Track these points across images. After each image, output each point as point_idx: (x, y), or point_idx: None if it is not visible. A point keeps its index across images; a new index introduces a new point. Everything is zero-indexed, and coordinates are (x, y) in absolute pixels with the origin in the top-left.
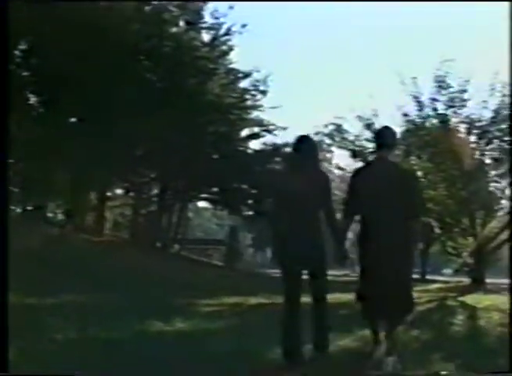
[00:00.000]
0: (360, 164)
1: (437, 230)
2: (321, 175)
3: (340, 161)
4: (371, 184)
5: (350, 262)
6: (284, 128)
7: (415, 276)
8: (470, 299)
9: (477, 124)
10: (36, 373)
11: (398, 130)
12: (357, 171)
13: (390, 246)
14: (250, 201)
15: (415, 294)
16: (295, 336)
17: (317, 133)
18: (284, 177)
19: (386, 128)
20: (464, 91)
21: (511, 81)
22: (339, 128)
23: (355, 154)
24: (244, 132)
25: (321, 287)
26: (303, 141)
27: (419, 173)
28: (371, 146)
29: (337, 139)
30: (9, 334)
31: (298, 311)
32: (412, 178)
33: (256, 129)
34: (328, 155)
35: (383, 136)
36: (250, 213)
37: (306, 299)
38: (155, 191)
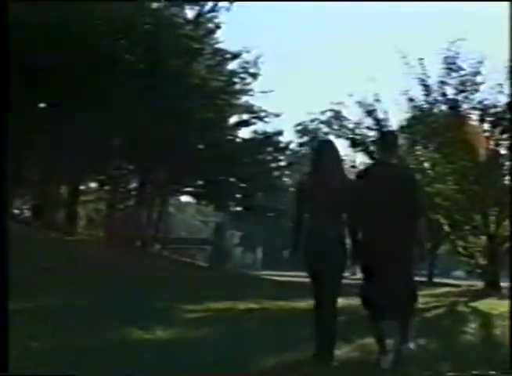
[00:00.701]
0: (360, 154)
1: (446, 228)
2: (343, 178)
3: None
4: (374, 187)
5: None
6: (277, 115)
7: (421, 278)
8: (483, 305)
9: (491, 110)
10: (36, 373)
11: (403, 116)
12: (360, 174)
13: (392, 247)
14: (238, 196)
15: (421, 299)
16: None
17: (313, 120)
18: (307, 181)
19: (389, 132)
20: (477, 73)
21: (511, 81)
22: (337, 115)
23: (354, 143)
24: (232, 119)
25: (333, 290)
26: (323, 145)
27: (425, 164)
28: (372, 134)
29: (335, 126)
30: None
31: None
32: (413, 180)
33: (245, 116)
34: None
35: (386, 140)
36: (239, 209)
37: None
38: (133, 184)
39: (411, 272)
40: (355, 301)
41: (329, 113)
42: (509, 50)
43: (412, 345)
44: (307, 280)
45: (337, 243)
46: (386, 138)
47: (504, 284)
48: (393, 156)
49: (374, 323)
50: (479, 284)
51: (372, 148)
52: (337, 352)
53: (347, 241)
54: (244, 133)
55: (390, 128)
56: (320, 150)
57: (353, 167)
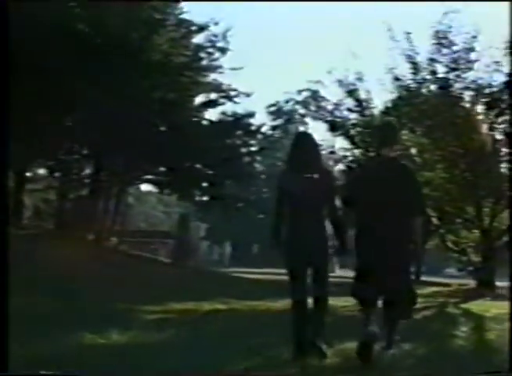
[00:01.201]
0: (340, 138)
1: (435, 221)
2: (324, 172)
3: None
4: (372, 182)
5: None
6: (248, 95)
7: None
8: (475, 306)
9: (486, 90)
10: (36, 373)
11: (388, 97)
12: (358, 168)
13: (388, 243)
14: (204, 184)
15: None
16: (304, 335)
17: (288, 101)
18: (287, 175)
19: (387, 124)
20: (471, 49)
21: (511, 82)
22: (315, 95)
23: (333, 127)
24: (198, 99)
25: (323, 286)
26: (303, 137)
27: (412, 150)
28: (353, 116)
29: (312, 108)
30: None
31: (305, 311)
32: (413, 176)
33: (213, 95)
34: (301, 128)
35: (384, 133)
36: (205, 198)
37: None
38: (87, 171)
39: (408, 271)
40: (335, 301)
41: (305, 93)
42: (509, 49)
43: (393, 351)
44: (281, 277)
45: (321, 240)
46: (385, 131)
47: (499, 284)
48: (392, 150)
49: (365, 311)
50: (471, 283)
51: (353, 132)
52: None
53: (331, 236)
54: (211, 114)
55: (388, 120)
56: (298, 144)
57: (332, 153)
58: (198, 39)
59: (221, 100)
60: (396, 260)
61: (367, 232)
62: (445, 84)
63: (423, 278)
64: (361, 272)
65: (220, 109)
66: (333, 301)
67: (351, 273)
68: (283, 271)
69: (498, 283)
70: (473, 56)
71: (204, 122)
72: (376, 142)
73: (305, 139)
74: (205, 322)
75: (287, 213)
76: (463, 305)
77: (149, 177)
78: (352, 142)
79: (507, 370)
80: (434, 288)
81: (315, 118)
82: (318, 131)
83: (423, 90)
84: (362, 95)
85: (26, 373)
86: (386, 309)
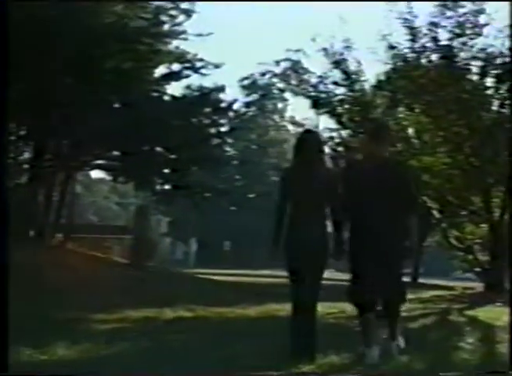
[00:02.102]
0: (325, 117)
1: (436, 214)
2: (327, 172)
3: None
4: (365, 181)
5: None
6: (217, 66)
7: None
8: (483, 313)
9: (497, 60)
10: (36, 373)
11: (382, 69)
12: (349, 166)
13: (382, 241)
14: (166, 170)
15: (405, 306)
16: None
17: (264, 73)
18: (290, 174)
19: (379, 123)
20: (479, 12)
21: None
22: (296, 67)
23: (317, 103)
24: (159, 70)
25: (316, 291)
26: (307, 136)
27: (409, 131)
28: (341, 91)
29: (292, 81)
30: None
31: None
32: (408, 174)
33: (176, 66)
34: (280, 105)
35: (376, 132)
36: (167, 187)
37: None
38: (26, 155)
39: (400, 269)
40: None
41: (284, 64)
42: (509, 50)
43: (401, 343)
44: (257, 279)
45: (321, 240)
46: (377, 131)
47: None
48: (384, 149)
49: (363, 318)
50: (478, 287)
51: (340, 109)
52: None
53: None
54: (174, 89)
55: (380, 120)
56: (303, 142)
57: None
58: None
59: (186, 72)
60: (390, 260)
61: (362, 233)
62: (448, 53)
63: (422, 280)
64: (356, 274)
65: (184, 82)
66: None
67: (335, 275)
68: (260, 272)
69: (509, 287)
70: (482, 19)
71: (166, 98)
72: (369, 142)
73: (310, 137)
74: (167, 332)
75: (289, 212)
76: (469, 312)
77: (101, 162)
78: (339, 122)
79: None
80: (435, 292)
81: (295, 93)
82: (299, 108)
83: (423, 60)
84: (351, 66)
85: (26, 373)
86: (383, 309)
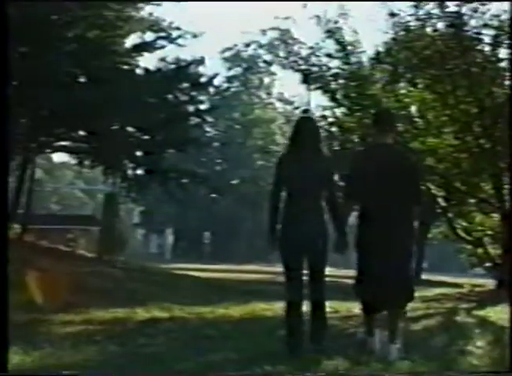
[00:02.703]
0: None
1: (441, 202)
2: (324, 159)
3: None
4: (372, 171)
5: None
6: (196, 35)
7: None
8: (495, 313)
9: None
10: (36, 373)
11: (381, 39)
12: (357, 156)
13: (390, 233)
14: (138, 153)
15: (409, 305)
16: (298, 331)
17: (248, 44)
18: (286, 161)
19: (385, 111)
20: None
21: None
22: (284, 37)
23: (308, 78)
24: (130, 41)
25: (321, 286)
26: (304, 122)
27: (412, 108)
28: (335, 64)
29: (280, 53)
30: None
31: (301, 312)
32: (413, 165)
33: (149, 36)
34: (266, 80)
35: (382, 121)
36: (139, 172)
37: None
38: None
39: (410, 264)
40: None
41: (272, 34)
42: (509, 50)
43: (398, 345)
44: (241, 275)
45: (321, 232)
46: (382, 118)
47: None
48: (389, 137)
49: (367, 316)
50: (489, 284)
51: (334, 85)
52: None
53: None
54: (147, 61)
55: (384, 108)
56: (299, 129)
57: (306, 111)
58: None
59: (161, 42)
60: (400, 254)
61: (371, 224)
62: (456, 21)
63: (426, 277)
64: (365, 268)
65: (159, 54)
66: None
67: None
68: (243, 267)
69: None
70: None
71: (138, 71)
72: (374, 130)
73: (307, 123)
74: (139, 335)
75: (285, 202)
76: (479, 312)
77: (64, 144)
78: (333, 99)
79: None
80: (440, 290)
81: (284, 66)
82: (288, 83)
83: (428, 29)
84: (347, 36)
85: (26, 373)
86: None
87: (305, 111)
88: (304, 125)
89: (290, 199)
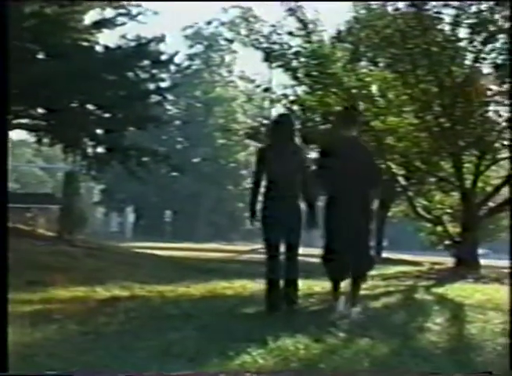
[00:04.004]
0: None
1: (402, 181)
2: (298, 151)
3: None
4: (338, 161)
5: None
6: (155, 13)
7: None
8: (453, 291)
9: (473, 9)
10: (36, 373)
11: (342, 18)
12: (325, 149)
13: (352, 214)
14: (99, 131)
15: (368, 282)
16: (276, 292)
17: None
18: (267, 152)
19: (351, 109)
20: None
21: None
22: (246, 14)
23: (270, 56)
24: (89, 17)
25: (294, 251)
26: (281, 118)
27: (373, 88)
28: (297, 43)
29: (242, 31)
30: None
31: (278, 269)
32: (372, 155)
33: (109, 12)
34: (228, 58)
35: (348, 117)
36: (99, 151)
37: None
38: None
39: (369, 240)
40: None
41: (233, 12)
42: (509, 50)
43: (359, 309)
44: (203, 254)
45: (296, 213)
46: (348, 115)
47: (484, 262)
48: (353, 131)
49: (334, 282)
50: (448, 261)
51: (295, 63)
52: (246, 358)
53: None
54: (107, 38)
55: (349, 105)
56: (278, 125)
57: (267, 90)
58: None
59: (120, 19)
60: (361, 231)
61: (336, 207)
62: (417, 1)
63: (386, 255)
64: (330, 244)
65: (118, 30)
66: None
67: None
68: (204, 246)
69: (483, 262)
70: None
71: (98, 48)
72: (341, 125)
73: (285, 120)
74: (99, 314)
75: (265, 188)
76: (438, 290)
77: (22, 121)
78: (295, 77)
79: (508, 369)
80: (400, 268)
81: (245, 44)
82: (250, 61)
83: (389, 8)
84: (308, 14)
85: (26, 373)
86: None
87: (282, 115)
88: (282, 122)
89: (269, 185)
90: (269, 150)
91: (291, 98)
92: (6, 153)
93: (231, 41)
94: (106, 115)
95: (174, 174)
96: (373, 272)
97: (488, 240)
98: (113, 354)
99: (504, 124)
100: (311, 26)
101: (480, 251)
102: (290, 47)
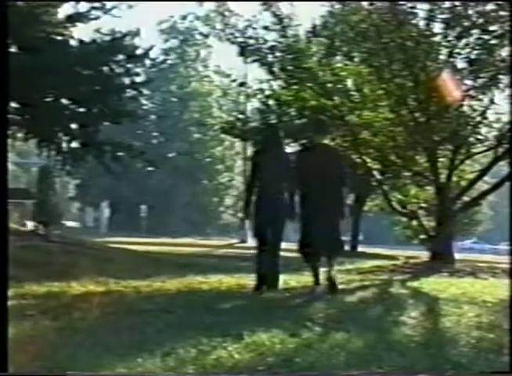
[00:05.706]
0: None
1: (377, 175)
2: (284, 158)
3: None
4: (312, 165)
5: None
6: (130, 6)
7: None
8: (428, 284)
9: (446, 4)
10: (36, 373)
11: (317, 13)
12: (301, 155)
13: (324, 208)
14: (73, 126)
15: (341, 276)
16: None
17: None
18: (261, 156)
19: (322, 120)
20: None
21: (511, 81)
22: (221, 8)
23: (245, 51)
24: (62, 10)
25: (277, 242)
26: (269, 128)
27: (348, 82)
28: (272, 37)
29: (217, 25)
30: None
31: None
32: (341, 159)
33: (82, 6)
34: (203, 52)
35: (320, 126)
36: (74, 145)
37: None
38: None
39: (338, 228)
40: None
41: (209, 6)
42: (509, 50)
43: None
44: (178, 249)
45: (281, 208)
46: (320, 124)
47: (459, 256)
48: (325, 138)
49: (313, 266)
50: (423, 255)
51: (271, 58)
52: (222, 353)
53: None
54: (81, 32)
55: (319, 117)
56: (266, 134)
57: (242, 84)
58: None
59: (94, 13)
60: (331, 220)
61: (311, 201)
62: None
63: (362, 249)
64: (306, 232)
65: (93, 24)
66: (246, 279)
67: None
68: (180, 241)
69: (458, 256)
70: None
71: (72, 42)
72: (315, 133)
73: (273, 131)
74: (73, 309)
75: (258, 189)
76: (413, 284)
77: None
78: (270, 72)
79: (508, 370)
80: (376, 262)
81: (221, 39)
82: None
83: (364, 3)
84: (284, 9)
85: (26, 373)
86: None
87: (270, 125)
88: (269, 131)
89: (262, 187)
90: (260, 156)
91: (267, 92)
92: (6, 153)
93: (206, 35)
94: (81, 110)
95: (150, 169)
96: (348, 266)
97: (463, 235)
98: (88, 349)
99: (478, 118)
100: (286, 20)
101: (467, 242)
102: (266, 41)
